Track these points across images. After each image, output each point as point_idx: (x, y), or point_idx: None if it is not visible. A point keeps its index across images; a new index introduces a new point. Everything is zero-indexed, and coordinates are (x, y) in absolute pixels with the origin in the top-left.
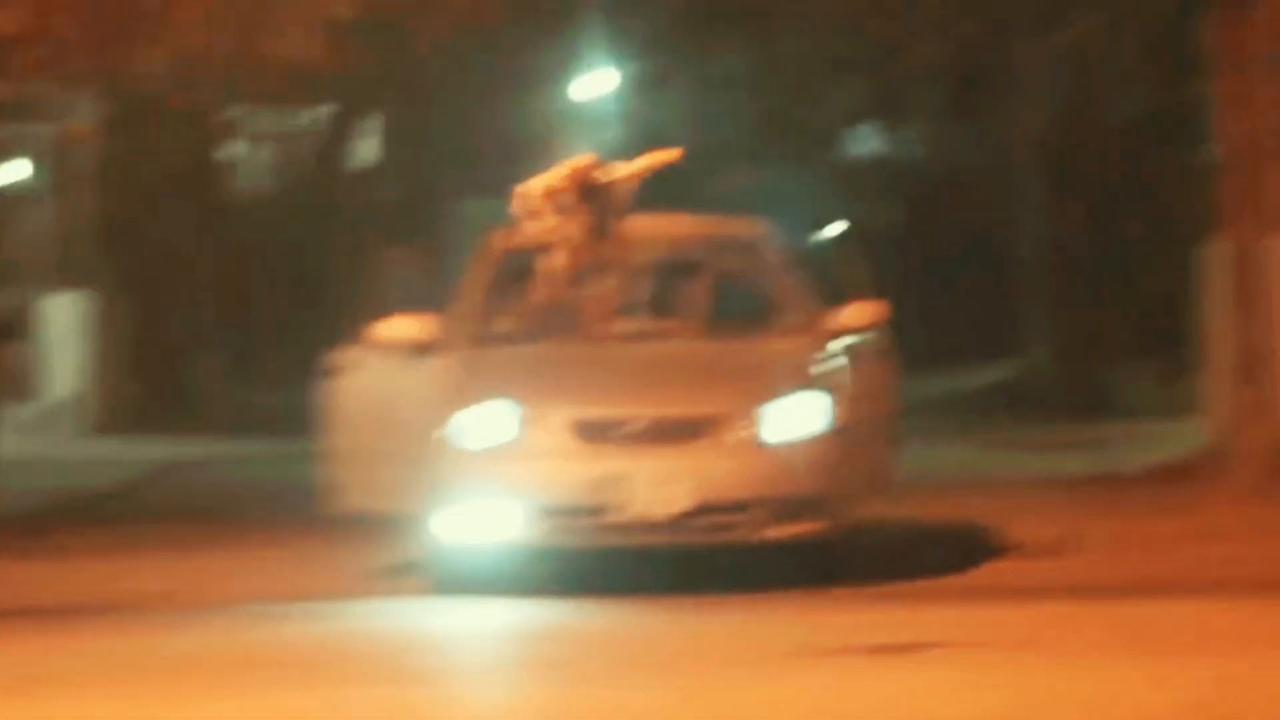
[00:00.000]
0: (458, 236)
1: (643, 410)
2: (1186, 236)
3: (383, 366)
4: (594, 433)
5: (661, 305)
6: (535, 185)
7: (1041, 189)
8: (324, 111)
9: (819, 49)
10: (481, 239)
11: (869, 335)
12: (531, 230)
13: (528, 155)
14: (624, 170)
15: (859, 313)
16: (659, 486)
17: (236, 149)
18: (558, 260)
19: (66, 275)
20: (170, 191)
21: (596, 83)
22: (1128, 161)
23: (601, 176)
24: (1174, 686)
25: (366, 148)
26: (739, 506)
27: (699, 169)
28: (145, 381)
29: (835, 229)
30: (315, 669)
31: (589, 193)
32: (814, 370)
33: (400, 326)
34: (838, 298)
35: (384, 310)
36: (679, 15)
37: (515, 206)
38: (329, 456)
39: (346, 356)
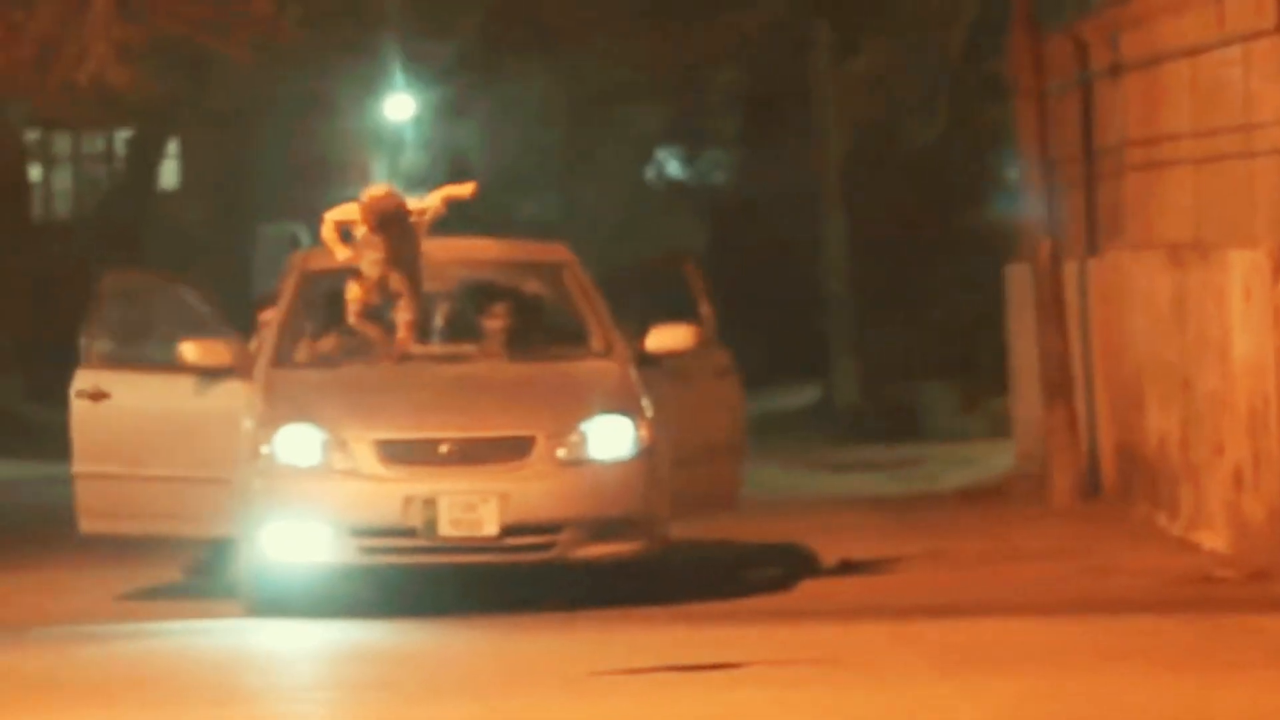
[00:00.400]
0: (257, 259)
1: (448, 432)
2: (991, 258)
3: (150, 390)
4: (399, 454)
5: (465, 329)
6: (331, 215)
7: (843, 211)
8: (124, 135)
9: (618, 75)
10: (286, 262)
11: (706, 355)
12: (333, 256)
13: (329, 178)
14: (418, 204)
15: (671, 335)
16: (468, 508)
17: (34, 172)
18: (353, 289)
19: None
20: None
21: (398, 107)
22: (930, 183)
23: (395, 206)
24: (983, 701)
25: (168, 171)
26: (551, 527)
27: (504, 193)
28: None
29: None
30: (130, 689)
31: (383, 223)
32: (622, 392)
33: (203, 350)
34: (647, 320)
35: (110, 335)
36: (475, 42)
37: (321, 233)
38: (89, 479)
39: (94, 379)
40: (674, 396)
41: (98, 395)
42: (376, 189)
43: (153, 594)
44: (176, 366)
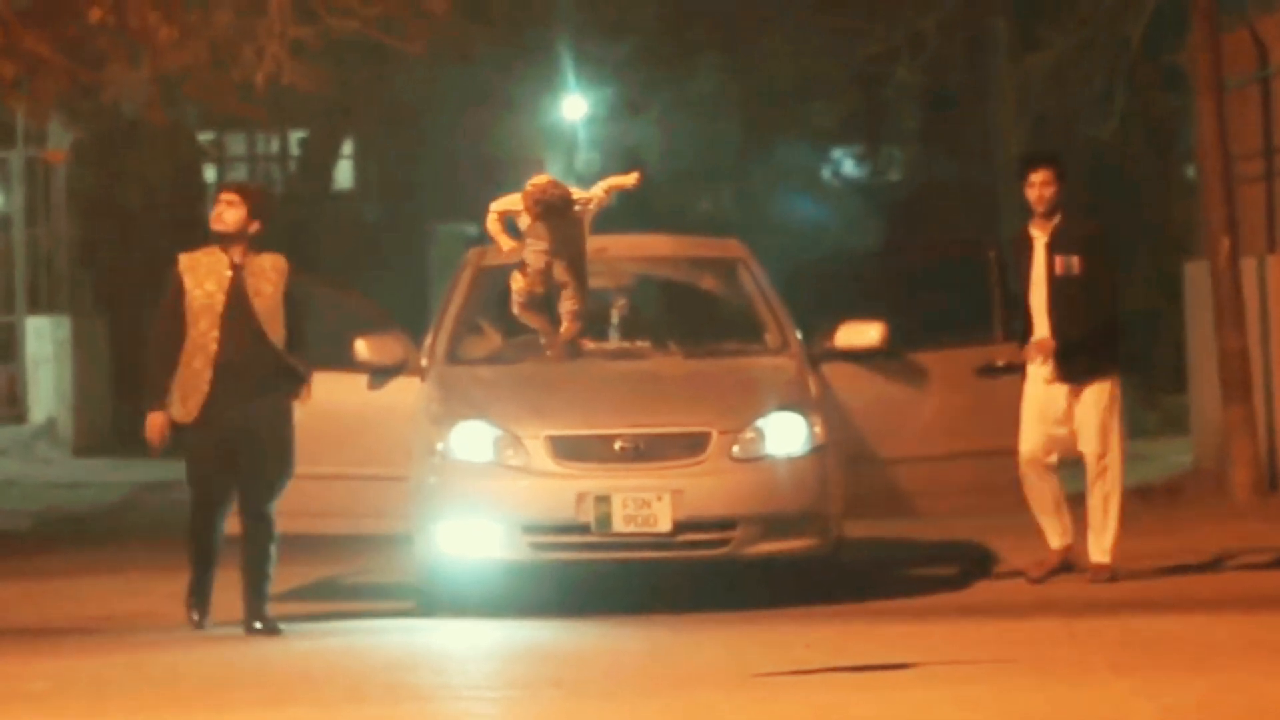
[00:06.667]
0: (433, 258)
1: (622, 428)
2: (1170, 254)
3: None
4: (573, 451)
5: (639, 325)
6: (495, 205)
7: (1021, 207)
8: (299, 135)
9: (793, 72)
10: (459, 259)
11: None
12: (499, 247)
13: (503, 178)
14: (582, 194)
15: (861, 332)
16: (641, 504)
17: (209, 173)
18: (517, 280)
19: (43, 299)
20: (148, 214)
21: (572, 107)
22: (1108, 179)
23: (558, 196)
24: (1162, 700)
25: (343, 171)
26: (725, 524)
27: (679, 190)
28: (124, 403)
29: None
30: (302, 687)
31: (546, 213)
32: (797, 389)
33: (376, 347)
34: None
35: None
36: (651, 39)
37: (486, 224)
38: None
39: None
40: (927, 393)
41: None
42: (539, 179)
43: (324, 591)
44: (344, 364)
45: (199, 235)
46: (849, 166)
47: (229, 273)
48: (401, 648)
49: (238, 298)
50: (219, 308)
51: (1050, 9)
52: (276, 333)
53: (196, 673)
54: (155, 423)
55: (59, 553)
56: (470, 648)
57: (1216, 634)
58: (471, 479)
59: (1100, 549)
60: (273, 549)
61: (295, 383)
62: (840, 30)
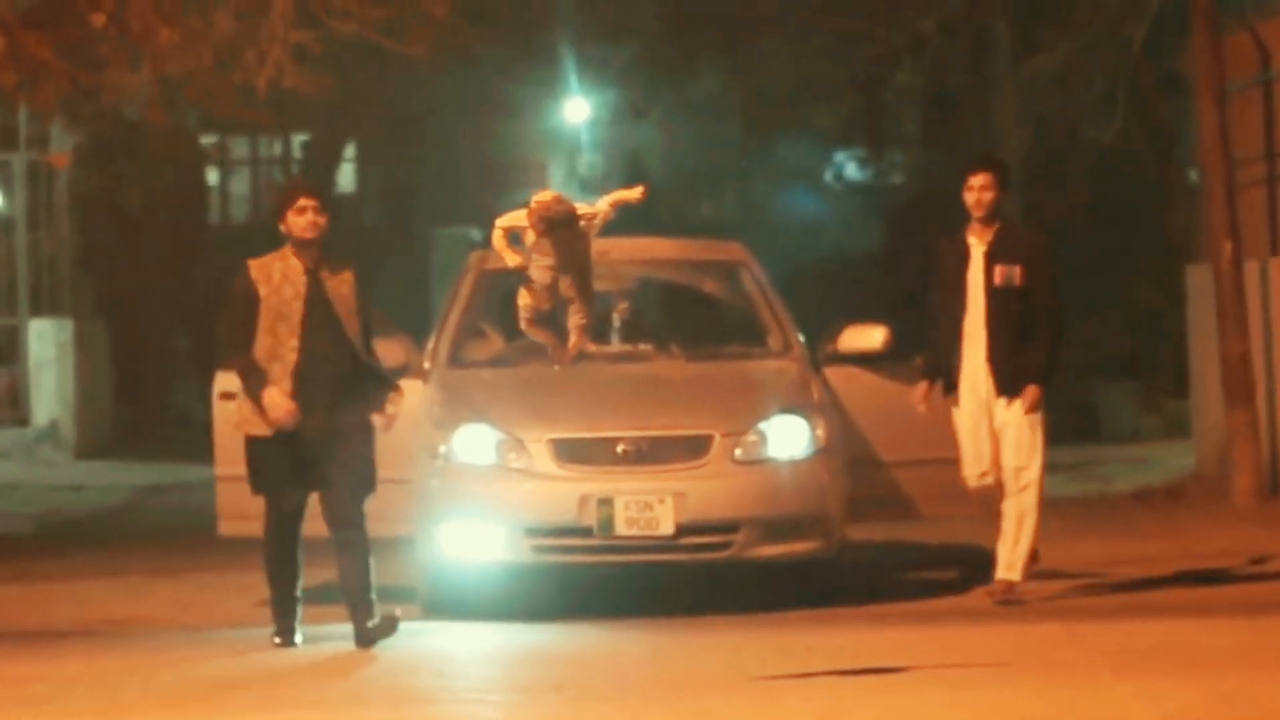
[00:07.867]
0: (435, 262)
1: (624, 431)
2: (1172, 257)
3: None
4: (575, 454)
5: (641, 328)
6: (501, 221)
7: (1021, 209)
8: (301, 139)
9: (795, 74)
10: (461, 263)
11: None
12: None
13: (506, 182)
14: (587, 208)
15: (864, 335)
16: (644, 507)
17: (211, 176)
18: (523, 296)
19: (45, 302)
20: (149, 218)
21: (574, 110)
22: (1110, 182)
23: (562, 212)
24: (1162, 704)
25: (345, 174)
26: (727, 526)
27: (681, 194)
28: (126, 406)
29: None
30: (304, 690)
31: (551, 228)
32: (800, 392)
33: (378, 350)
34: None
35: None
36: (654, 42)
37: (491, 239)
38: (234, 481)
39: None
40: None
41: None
42: (544, 195)
43: (327, 594)
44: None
45: (202, 238)
46: (850, 169)
47: (304, 277)
48: (403, 650)
49: (317, 303)
50: (298, 315)
51: (1051, 11)
52: (356, 335)
53: (198, 676)
54: (276, 398)
55: (60, 556)
56: (472, 651)
57: (1218, 639)
58: (474, 482)
59: (1008, 564)
60: (370, 559)
61: (378, 387)
62: (841, 32)
